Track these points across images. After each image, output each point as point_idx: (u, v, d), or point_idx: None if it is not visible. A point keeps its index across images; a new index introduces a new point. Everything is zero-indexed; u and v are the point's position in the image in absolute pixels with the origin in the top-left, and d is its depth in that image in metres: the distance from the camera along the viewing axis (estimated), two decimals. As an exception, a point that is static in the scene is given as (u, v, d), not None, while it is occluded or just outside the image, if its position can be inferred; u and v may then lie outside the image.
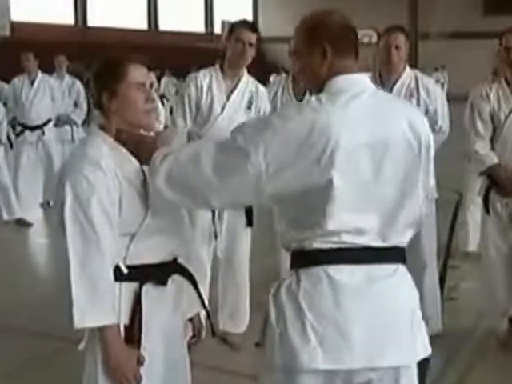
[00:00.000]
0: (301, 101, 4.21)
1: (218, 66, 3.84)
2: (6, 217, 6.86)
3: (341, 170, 1.74)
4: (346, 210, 1.77)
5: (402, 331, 1.86)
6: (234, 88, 3.82)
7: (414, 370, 1.92)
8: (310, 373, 1.80)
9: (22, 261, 5.92)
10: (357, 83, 1.86)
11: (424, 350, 1.90)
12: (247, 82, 3.87)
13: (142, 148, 2.07)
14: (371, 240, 1.82)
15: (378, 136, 1.79)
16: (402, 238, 1.90)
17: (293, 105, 1.78)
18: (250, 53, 3.73)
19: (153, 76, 13.07)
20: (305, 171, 1.74)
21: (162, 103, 13.00)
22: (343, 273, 1.80)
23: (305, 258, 1.83)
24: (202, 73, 3.83)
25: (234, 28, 3.77)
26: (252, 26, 3.79)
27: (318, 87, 1.87)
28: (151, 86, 2.15)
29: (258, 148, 1.75)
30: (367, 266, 1.83)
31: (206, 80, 3.80)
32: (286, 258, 4.52)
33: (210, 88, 3.79)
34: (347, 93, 1.82)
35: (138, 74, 2.09)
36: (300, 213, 1.83)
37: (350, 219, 1.78)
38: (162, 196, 1.91)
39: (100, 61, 2.14)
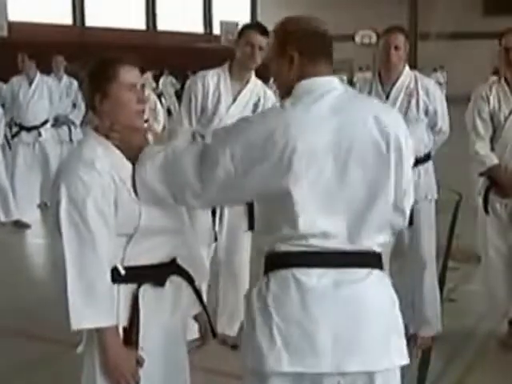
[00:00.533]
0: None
1: (226, 68, 3.80)
2: (3, 218, 6.84)
3: (301, 172, 1.75)
4: (311, 213, 1.77)
5: (373, 336, 1.83)
6: (241, 90, 3.79)
7: (396, 375, 1.88)
8: (278, 376, 1.81)
9: (19, 262, 5.90)
10: (321, 85, 1.85)
11: (401, 357, 1.87)
12: (255, 85, 3.83)
13: (132, 144, 2.08)
14: (339, 243, 1.81)
15: (341, 137, 1.79)
16: (374, 242, 1.87)
17: (260, 111, 1.82)
18: (260, 56, 3.67)
19: (150, 76, 13.10)
20: (268, 173, 1.77)
21: (161, 102, 12.99)
22: (311, 276, 1.80)
23: (274, 261, 1.84)
24: (210, 72, 3.79)
25: (244, 30, 3.72)
26: (263, 29, 3.70)
27: (287, 92, 1.89)
28: (143, 86, 2.13)
29: (225, 151, 1.79)
30: (336, 270, 1.82)
31: (214, 80, 3.76)
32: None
33: (217, 88, 3.75)
34: (310, 95, 1.82)
35: (130, 75, 2.08)
36: (270, 215, 1.85)
37: (316, 222, 1.78)
38: (146, 184, 1.96)
39: (92, 62, 2.14)
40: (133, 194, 2.04)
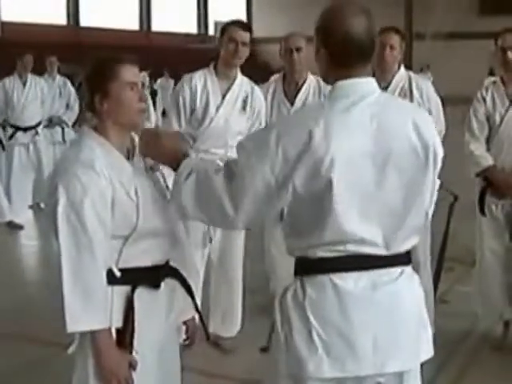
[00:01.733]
0: (292, 103, 4.20)
1: (212, 67, 3.80)
2: None
3: (340, 178, 1.72)
4: (350, 220, 1.75)
5: (408, 335, 1.86)
6: (229, 89, 3.78)
7: (418, 371, 1.93)
8: (317, 381, 1.80)
9: (12, 263, 5.86)
10: (360, 88, 1.82)
11: (428, 351, 1.91)
12: (242, 82, 3.83)
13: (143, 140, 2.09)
14: (376, 248, 1.81)
15: (380, 144, 1.76)
16: (407, 245, 1.88)
17: (294, 112, 1.77)
18: (244, 52, 3.69)
19: (146, 75, 13.05)
20: (307, 179, 1.73)
21: (154, 101, 12.94)
22: (348, 280, 1.79)
23: (309, 266, 1.82)
24: (197, 74, 3.79)
25: (226, 28, 3.73)
26: (245, 25, 3.76)
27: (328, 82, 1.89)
28: (143, 85, 2.11)
29: (263, 163, 1.75)
30: (371, 272, 1.82)
31: (201, 81, 3.76)
32: (276, 264, 4.53)
33: (204, 89, 3.75)
34: (349, 98, 1.78)
35: (130, 73, 2.08)
36: (304, 220, 1.82)
37: (354, 229, 1.77)
38: (187, 213, 1.93)
39: (91, 62, 2.13)
40: (132, 195, 2.03)
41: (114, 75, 2.05)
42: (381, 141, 1.76)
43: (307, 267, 1.83)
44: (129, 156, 2.12)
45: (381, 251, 1.81)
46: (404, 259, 1.88)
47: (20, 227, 6.87)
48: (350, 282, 1.79)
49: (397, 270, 1.85)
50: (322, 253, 1.79)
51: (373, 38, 1.85)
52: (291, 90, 4.22)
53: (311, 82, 4.20)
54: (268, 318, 4.15)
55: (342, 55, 1.82)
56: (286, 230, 1.89)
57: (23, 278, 5.48)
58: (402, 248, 1.86)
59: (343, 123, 1.75)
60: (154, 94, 14.82)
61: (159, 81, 16.80)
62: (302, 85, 4.18)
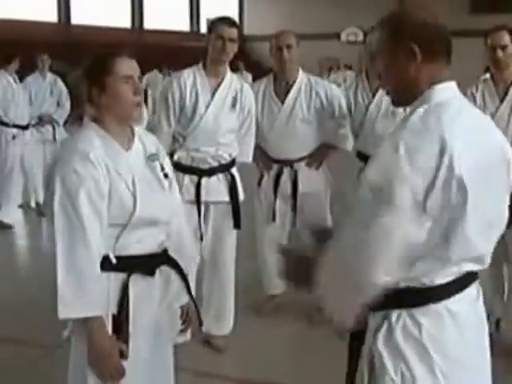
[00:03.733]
0: (283, 102, 4.17)
1: (201, 65, 3.78)
2: None
3: (469, 192, 1.55)
4: (472, 236, 1.61)
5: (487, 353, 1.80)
6: (218, 86, 3.76)
7: None
8: None
9: (2, 263, 5.82)
10: (455, 93, 1.68)
11: None
12: (231, 79, 3.81)
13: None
14: (483, 265, 1.71)
15: (485, 156, 1.63)
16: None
17: (410, 126, 1.55)
18: (231, 48, 3.67)
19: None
20: (443, 198, 1.53)
21: (146, 98, 12.86)
22: (458, 304, 1.67)
23: (421, 296, 1.64)
24: (186, 72, 3.78)
25: (213, 25, 3.72)
26: (231, 22, 3.74)
27: (406, 93, 1.67)
28: (140, 79, 2.13)
29: (402, 188, 1.50)
30: (468, 290, 1.71)
31: (190, 79, 3.74)
32: (269, 263, 4.52)
33: (193, 87, 3.73)
34: (452, 105, 1.62)
35: (126, 67, 2.10)
36: (426, 244, 1.59)
37: (473, 246, 1.63)
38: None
39: (89, 57, 2.16)
40: (129, 186, 2.06)
41: (109, 69, 2.08)
42: (485, 153, 1.63)
43: (418, 297, 1.64)
44: (128, 145, 2.15)
45: (483, 266, 1.71)
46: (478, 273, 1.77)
47: (9, 227, 6.83)
48: (460, 304, 1.67)
49: (476, 284, 1.76)
50: (439, 279, 1.63)
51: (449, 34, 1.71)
52: (282, 89, 4.20)
53: (302, 80, 4.19)
54: (260, 317, 4.22)
55: (438, 49, 1.66)
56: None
57: (14, 277, 5.44)
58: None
59: (459, 135, 1.56)
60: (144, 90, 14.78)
61: (147, 75, 16.67)
62: (293, 83, 4.17)
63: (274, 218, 4.25)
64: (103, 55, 2.13)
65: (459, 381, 1.66)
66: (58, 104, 7.98)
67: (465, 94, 3.87)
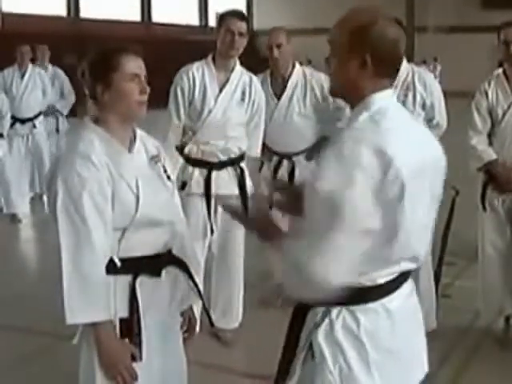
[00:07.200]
0: (279, 97, 4.19)
1: (210, 59, 3.78)
2: (5, 210, 6.87)
3: (407, 192, 1.63)
4: (411, 236, 1.70)
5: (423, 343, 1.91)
6: (227, 80, 3.76)
7: None
8: None
9: (11, 254, 5.85)
10: (393, 101, 1.77)
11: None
12: (240, 73, 3.81)
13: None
14: (418, 264, 1.80)
15: (421, 160, 1.70)
16: None
17: (351, 135, 1.65)
18: (241, 42, 3.67)
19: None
20: (386, 198, 1.61)
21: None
22: (393, 302, 1.78)
23: (362, 295, 1.73)
24: (194, 66, 3.78)
25: (222, 18, 3.72)
26: (241, 15, 3.74)
27: (348, 93, 1.75)
28: (146, 77, 2.10)
29: (352, 194, 1.58)
30: (402, 289, 1.81)
31: (199, 73, 3.74)
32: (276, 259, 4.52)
33: (202, 81, 3.73)
34: (389, 112, 1.71)
35: (133, 65, 2.06)
36: (374, 247, 1.66)
37: (412, 245, 1.73)
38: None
39: (95, 51, 2.12)
40: (132, 187, 2.03)
41: (116, 66, 2.04)
42: (422, 157, 1.70)
43: (358, 296, 1.73)
44: (130, 147, 2.12)
45: (418, 265, 1.81)
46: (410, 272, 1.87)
47: (18, 220, 6.86)
48: (395, 302, 1.77)
49: (410, 282, 1.86)
50: (381, 279, 1.72)
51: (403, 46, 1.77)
52: (278, 84, 4.25)
53: (298, 75, 4.22)
54: (268, 311, 4.22)
55: (389, 65, 1.72)
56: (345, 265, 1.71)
57: (22, 269, 5.47)
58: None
59: (396, 139, 1.64)
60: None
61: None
62: (288, 79, 4.20)
63: (271, 207, 4.27)
64: (109, 51, 2.09)
65: (391, 370, 1.78)
66: (61, 95, 7.98)
67: (474, 87, 3.85)
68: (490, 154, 3.69)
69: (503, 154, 3.69)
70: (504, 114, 3.70)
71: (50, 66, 8.10)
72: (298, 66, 4.26)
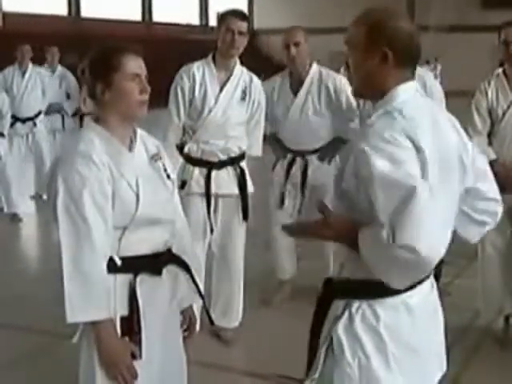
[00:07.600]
0: (296, 92, 4.24)
1: (210, 58, 3.79)
2: (6, 210, 6.87)
3: (435, 185, 1.65)
4: (436, 229, 1.63)
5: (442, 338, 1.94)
6: (228, 79, 3.77)
7: None
8: None
9: (12, 253, 5.86)
10: (417, 92, 1.80)
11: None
12: (241, 72, 3.82)
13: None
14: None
15: (444, 149, 1.73)
16: None
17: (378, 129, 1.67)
18: (241, 42, 3.68)
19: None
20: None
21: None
22: (414, 297, 1.79)
23: (381, 290, 1.73)
24: (195, 65, 3.79)
25: (223, 17, 3.73)
26: (241, 14, 3.75)
27: (371, 90, 1.79)
28: (146, 77, 2.11)
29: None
30: (422, 285, 1.82)
31: (200, 72, 3.75)
32: (283, 251, 4.56)
33: (203, 80, 3.74)
34: (415, 103, 1.75)
35: (133, 64, 2.07)
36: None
37: (439, 237, 1.67)
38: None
39: (96, 50, 2.12)
40: (133, 186, 2.04)
41: (117, 66, 2.04)
42: (444, 146, 1.74)
43: (378, 291, 1.74)
44: (131, 146, 2.12)
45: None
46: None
47: (19, 219, 6.86)
48: (417, 297, 1.79)
49: (430, 279, 1.87)
50: None
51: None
52: (296, 82, 4.30)
53: (314, 74, 4.27)
54: (268, 310, 4.22)
55: (409, 56, 1.77)
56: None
57: (22, 268, 5.47)
58: None
59: (421, 127, 1.69)
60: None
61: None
62: (305, 77, 4.26)
63: (282, 204, 4.31)
64: (109, 50, 2.09)
65: (410, 366, 1.79)
66: (68, 96, 8.00)
67: (474, 87, 3.85)
68: (490, 154, 3.69)
69: (503, 153, 3.69)
70: (504, 114, 3.70)
71: (59, 67, 8.13)
72: (314, 65, 4.30)
